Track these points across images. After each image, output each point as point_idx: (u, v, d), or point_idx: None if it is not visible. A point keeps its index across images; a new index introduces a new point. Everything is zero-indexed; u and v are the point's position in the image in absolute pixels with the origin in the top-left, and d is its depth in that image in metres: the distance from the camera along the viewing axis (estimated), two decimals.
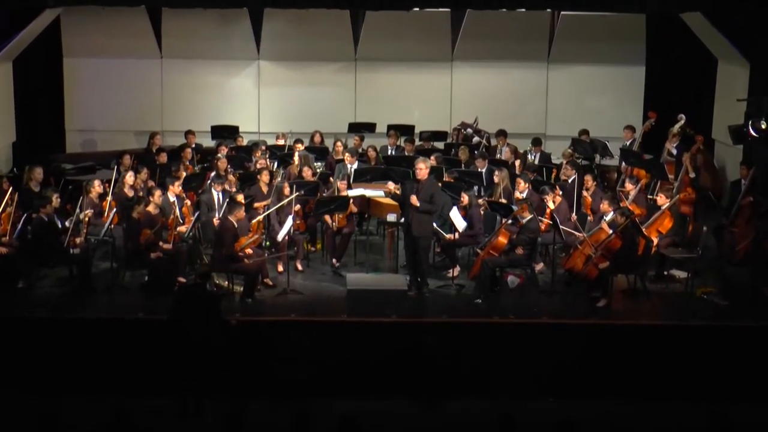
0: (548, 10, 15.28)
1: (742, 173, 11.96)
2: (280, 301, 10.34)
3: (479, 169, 12.72)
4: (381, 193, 11.86)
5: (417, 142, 14.77)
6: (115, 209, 11.00)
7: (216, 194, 11.58)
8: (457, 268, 11.08)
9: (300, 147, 13.41)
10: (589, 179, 11.81)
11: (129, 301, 10.19)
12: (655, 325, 9.79)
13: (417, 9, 14.02)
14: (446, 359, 9.23)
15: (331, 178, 12.55)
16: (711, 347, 9.41)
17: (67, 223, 10.66)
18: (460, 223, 10.83)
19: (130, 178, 11.85)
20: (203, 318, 8.59)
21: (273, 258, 11.00)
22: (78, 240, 10.49)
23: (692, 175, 12.33)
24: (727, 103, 14.03)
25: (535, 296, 10.55)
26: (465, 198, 11.30)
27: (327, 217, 11.50)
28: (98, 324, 9.55)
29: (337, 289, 10.67)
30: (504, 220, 10.83)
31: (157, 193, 10.88)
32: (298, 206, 11.30)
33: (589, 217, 11.28)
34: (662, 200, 11.00)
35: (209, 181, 12.05)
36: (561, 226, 10.62)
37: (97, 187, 11.42)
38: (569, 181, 12.04)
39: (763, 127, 11.20)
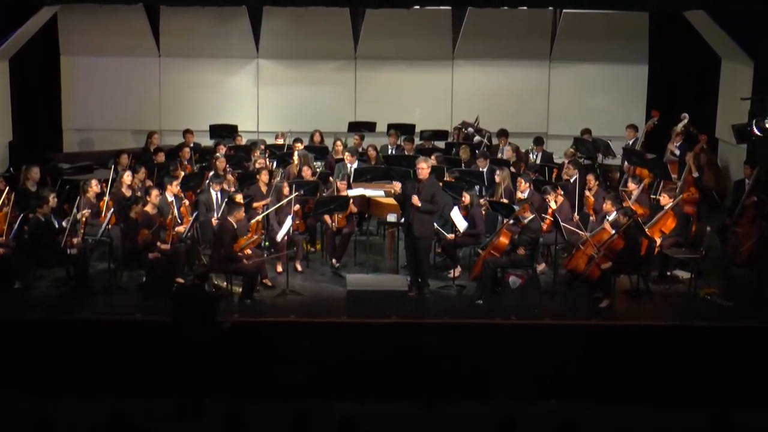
0: (550, 8, 15.28)
1: (746, 173, 11.95)
2: (279, 302, 10.33)
3: (480, 169, 12.71)
4: (381, 192, 11.88)
5: (417, 142, 14.77)
6: (112, 209, 10.99)
7: (214, 194, 11.58)
8: (458, 269, 11.08)
9: (299, 146, 13.41)
10: (591, 179, 11.80)
11: (126, 302, 10.18)
12: (657, 326, 9.79)
13: (418, 7, 14.03)
14: (447, 361, 9.23)
15: (330, 178, 12.55)
16: (714, 348, 9.40)
17: (64, 224, 10.66)
18: (461, 223, 10.83)
19: (127, 177, 11.84)
20: (201, 319, 8.59)
21: (272, 258, 10.99)
22: (75, 240, 10.48)
23: (696, 174, 12.32)
24: (730, 101, 14.02)
25: (537, 297, 10.54)
26: (466, 198, 11.29)
27: (326, 217, 11.50)
28: (95, 325, 9.54)
29: (337, 290, 10.66)
30: (505, 220, 10.83)
31: (155, 192, 10.87)
32: (297, 206, 11.30)
33: (591, 217, 11.27)
34: (665, 200, 11.00)
35: (208, 181, 12.05)
36: (563, 224, 10.60)
37: (94, 186, 11.42)
38: (571, 180, 12.04)
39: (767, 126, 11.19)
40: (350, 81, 16.36)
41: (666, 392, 9.21)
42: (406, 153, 13.81)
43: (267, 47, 16.18)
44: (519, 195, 11.49)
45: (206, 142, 14.85)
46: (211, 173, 12.40)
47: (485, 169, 12.66)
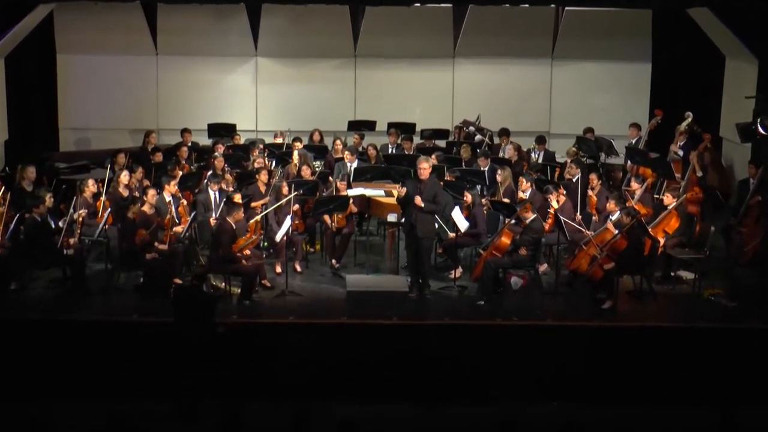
0: (552, 5, 15.29)
1: (751, 172, 11.95)
2: (278, 302, 10.33)
3: (482, 168, 12.72)
4: (381, 192, 11.88)
5: (418, 141, 14.78)
6: (109, 209, 11.00)
7: (213, 194, 11.59)
8: (459, 269, 11.08)
9: (298, 145, 13.42)
10: (594, 178, 11.81)
11: (124, 303, 10.18)
12: (661, 327, 9.79)
13: (418, 4, 14.03)
14: (448, 362, 9.24)
15: (330, 177, 12.56)
16: (719, 350, 9.41)
17: (60, 224, 10.67)
18: (462, 223, 10.83)
19: (124, 177, 11.85)
20: (198, 320, 8.60)
21: (270, 259, 11.00)
22: (72, 241, 10.48)
23: (699, 174, 12.33)
24: (735, 100, 14.03)
25: (539, 298, 10.55)
26: (468, 197, 11.30)
27: (326, 217, 11.51)
28: (92, 326, 9.55)
29: (337, 291, 10.67)
30: (507, 220, 10.83)
31: (153, 192, 10.88)
32: (296, 206, 11.31)
33: (594, 217, 11.28)
34: (669, 200, 11.00)
35: (206, 181, 12.05)
36: (565, 220, 10.60)
37: (91, 186, 11.41)
38: (574, 180, 12.04)
39: None
40: (350, 79, 16.36)
41: (669, 394, 9.22)
42: (406, 152, 13.81)
43: (266, 45, 16.19)
44: (521, 195, 11.49)
45: (204, 141, 14.85)
46: (210, 173, 12.40)
47: (486, 169, 12.66)
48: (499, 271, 10.57)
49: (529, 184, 11.56)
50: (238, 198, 10.98)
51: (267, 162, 13.09)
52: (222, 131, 14.86)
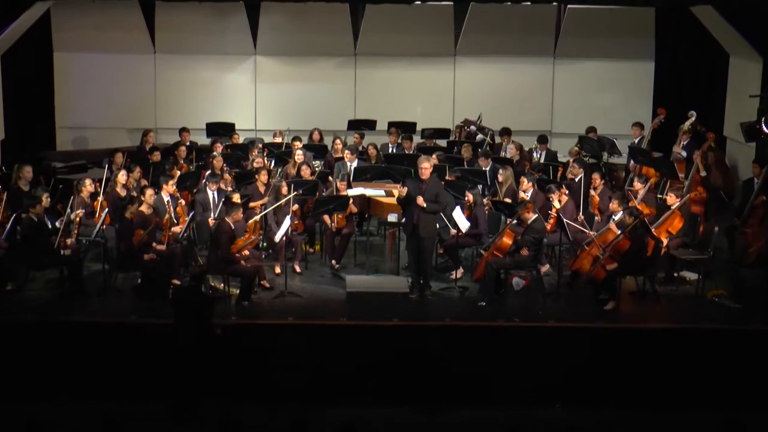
0: (554, 3, 15.28)
1: (755, 172, 11.94)
2: (277, 303, 10.33)
3: (483, 168, 12.71)
4: (382, 192, 11.87)
5: (419, 140, 14.77)
6: (107, 209, 10.98)
7: (211, 194, 11.58)
8: (461, 270, 11.07)
9: (298, 144, 13.41)
10: (596, 178, 11.80)
11: (121, 304, 10.18)
12: (664, 328, 9.78)
13: (419, 2, 14.02)
14: (449, 364, 9.22)
15: (330, 177, 12.55)
16: (723, 351, 9.40)
17: (57, 224, 10.65)
18: (464, 223, 10.83)
19: (122, 177, 11.84)
20: (196, 321, 8.60)
21: (270, 260, 10.99)
22: (69, 241, 10.48)
23: (703, 173, 12.31)
24: (739, 99, 14.03)
25: (541, 299, 10.55)
26: (470, 197, 11.29)
27: (326, 217, 11.50)
28: (90, 327, 9.54)
29: (337, 292, 10.66)
30: (509, 221, 10.82)
31: (151, 192, 10.86)
32: (296, 206, 11.30)
33: (596, 217, 11.27)
34: (672, 200, 10.99)
35: (204, 180, 12.04)
36: (567, 221, 10.59)
37: (88, 186, 11.41)
38: (576, 179, 12.03)
39: None
40: (350, 78, 16.36)
41: (673, 396, 9.21)
42: (406, 152, 13.80)
43: (265, 44, 16.18)
44: (522, 195, 11.48)
45: (203, 140, 14.84)
46: (208, 172, 12.39)
47: (488, 168, 12.65)
48: (500, 271, 10.56)
49: (530, 184, 11.55)
50: (236, 198, 10.98)
51: (266, 162, 13.09)
52: (221, 130, 14.85)
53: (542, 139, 14.28)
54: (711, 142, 12.81)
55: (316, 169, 12.87)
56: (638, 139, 13.83)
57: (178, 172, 12.38)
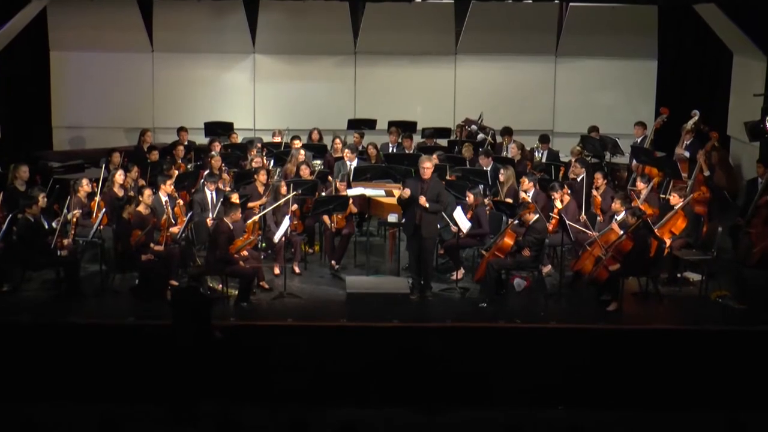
0: (556, 1, 15.30)
1: (759, 171, 11.95)
2: (276, 305, 10.34)
3: (484, 168, 12.72)
4: (382, 192, 11.89)
5: (419, 140, 14.78)
6: (104, 209, 11.01)
7: (209, 193, 11.59)
8: (461, 271, 11.09)
9: (297, 143, 13.42)
10: (598, 178, 11.80)
11: (119, 305, 10.19)
12: (667, 329, 9.78)
13: (419, 0, 14.01)
14: (450, 365, 9.23)
15: (329, 177, 12.56)
16: (726, 353, 9.40)
17: (54, 224, 10.67)
18: (465, 224, 10.84)
19: (119, 176, 11.85)
20: (195, 322, 8.61)
21: (268, 261, 11.00)
22: (65, 241, 10.49)
23: (707, 173, 12.33)
24: (742, 98, 14.04)
25: (543, 300, 10.55)
26: (471, 197, 11.30)
27: (325, 218, 11.51)
28: (87, 329, 9.54)
29: (336, 293, 10.67)
30: (510, 221, 10.83)
31: (148, 192, 10.87)
32: (295, 206, 11.31)
33: (598, 218, 11.28)
34: (675, 200, 11.00)
35: (202, 180, 12.06)
36: (569, 223, 10.61)
37: (85, 186, 11.42)
38: (578, 179, 12.04)
39: None
40: (350, 77, 16.37)
41: (676, 398, 9.21)
42: (406, 151, 13.82)
43: (264, 42, 16.19)
44: (522, 195, 11.49)
45: (201, 140, 14.87)
46: (206, 172, 12.40)
47: (489, 168, 12.67)
48: (501, 272, 10.57)
49: (531, 183, 11.56)
50: (235, 198, 10.99)
51: (265, 161, 13.10)
52: (219, 130, 14.87)
53: (544, 139, 14.30)
54: (714, 142, 12.83)
55: (316, 168, 12.88)
56: (641, 138, 13.85)
57: (176, 172, 12.40)
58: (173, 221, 11.07)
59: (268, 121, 16.10)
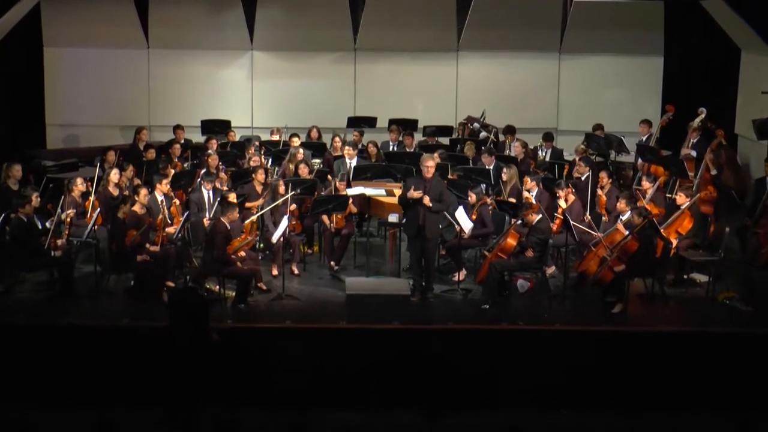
0: None
1: (767, 170, 11.95)
2: (274, 306, 10.35)
3: (486, 167, 12.73)
4: (382, 191, 11.89)
5: (420, 138, 14.79)
6: (99, 209, 11.01)
7: (206, 193, 11.60)
8: (463, 272, 11.09)
9: (296, 142, 13.43)
10: (603, 177, 11.80)
11: (114, 307, 10.20)
12: (673, 332, 9.79)
13: None
14: (451, 368, 9.24)
15: (329, 176, 12.57)
16: (733, 356, 9.40)
17: (47, 224, 10.67)
18: (467, 224, 10.84)
19: (114, 175, 11.86)
20: (193, 324, 8.61)
21: (267, 262, 11.01)
22: (59, 242, 10.49)
23: (714, 172, 12.33)
24: (751, 95, 14.05)
25: (546, 301, 10.57)
26: (473, 197, 11.31)
27: (325, 218, 11.51)
28: (81, 331, 9.54)
29: (336, 294, 10.68)
30: (513, 221, 10.84)
31: (144, 191, 10.88)
32: (293, 206, 11.32)
33: (603, 217, 11.28)
34: (682, 199, 11.00)
35: (199, 179, 12.07)
36: (573, 223, 10.61)
37: (79, 185, 11.42)
38: (582, 178, 12.05)
39: None
40: (349, 74, 16.38)
41: (682, 401, 9.21)
42: (407, 150, 13.82)
43: (262, 38, 16.21)
44: (526, 194, 11.49)
45: (197, 138, 14.88)
46: (203, 171, 12.42)
47: (491, 167, 12.67)
48: (504, 273, 10.58)
49: (534, 183, 11.56)
50: (232, 197, 10.99)
51: (263, 160, 13.11)
52: (216, 128, 14.88)
53: (547, 137, 14.31)
54: (721, 139, 12.82)
55: (315, 167, 12.88)
56: (646, 136, 13.84)
57: (172, 171, 12.41)
58: (169, 221, 11.08)
59: (266, 119, 16.11)
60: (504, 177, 11.98)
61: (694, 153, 13.01)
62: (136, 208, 10.71)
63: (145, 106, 16.29)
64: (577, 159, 12.87)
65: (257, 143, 13.99)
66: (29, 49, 15.90)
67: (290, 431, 6.94)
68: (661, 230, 10.55)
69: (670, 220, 10.91)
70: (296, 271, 11.36)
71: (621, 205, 10.74)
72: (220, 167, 12.65)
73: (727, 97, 15.10)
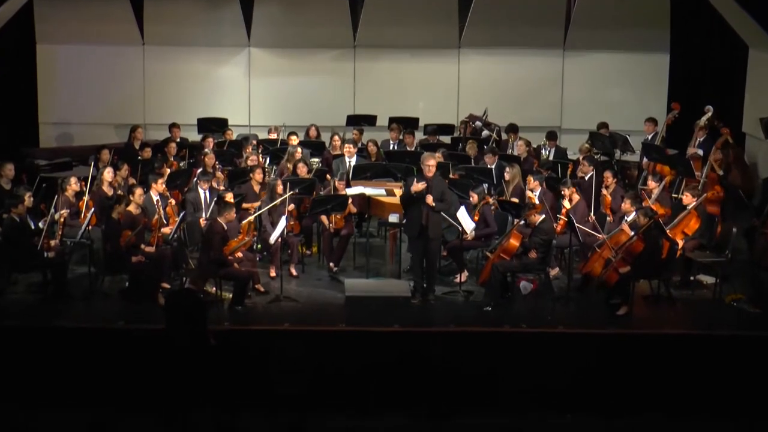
0: None
1: None
2: (272, 308, 10.35)
3: (489, 166, 12.73)
4: (382, 191, 11.89)
5: (421, 136, 14.80)
6: (93, 209, 11.01)
7: (203, 193, 11.61)
8: (465, 273, 11.10)
9: (294, 141, 13.43)
10: (608, 176, 11.82)
11: (108, 308, 10.19)
12: (679, 334, 9.79)
13: None
14: (452, 371, 9.24)
15: (328, 175, 12.57)
16: (740, 358, 9.41)
17: (40, 224, 10.67)
18: (469, 224, 10.85)
19: (109, 175, 11.86)
20: (189, 326, 8.62)
21: (264, 263, 11.01)
22: (53, 242, 10.49)
23: (720, 171, 12.34)
24: (758, 93, 14.06)
25: (550, 303, 10.56)
26: (475, 197, 11.31)
27: (324, 218, 11.52)
28: (75, 333, 9.55)
29: (335, 296, 10.68)
30: (516, 221, 10.84)
31: (139, 191, 10.88)
32: (292, 206, 11.32)
33: (608, 218, 11.29)
34: (688, 199, 11.01)
35: (195, 179, 12.08)
36: (578, 225, 10.62)
37: (73, 185, 11.44)
38: (587, 178, 12.06)
39: None
40: (349, 71, 16.40)
41: (688, 404, 9.22)
42: (408, 148, 13.83)
43: (259, 35, 16.22)
44: (529, 194, 11.50)
45: (194, 136, 14.89)
46: (199, 170, 12.43)
47: (494, 166, 12.68)
48: (507, 275, 10.58)
49: (537, 182, 11.57)
50: (229, 197, 10.99)
51: (261, 159, 13.12)
52: (212, 126, 14.89)
53: (551, 136, 14.32)
54: (727, 137, 12.83)
55: (314, 166, 12.89)
56: (652, 135, 13.86)
57: (168, 170, 12.42)
58: (165, 221, 11.08)
59: (263, 117, 16.13)
60: (506, 176, 11.98)
61: (700, 152, 13.02)
62: (131, 208, 10.72)
63: (141, 104, 16.30)
64: (581, 158, 12.87)
65: (255, 142, 13.98)
66: (22, 46, 15.93)
67: None
68: (667, 231, 10.55)
69: (676, 221, 10.91)
70: (294, 273, 11.36)
71: (626, 205, 10.74)
72: (217, 166, 12.66)
73: (734, 94, 15.11)
